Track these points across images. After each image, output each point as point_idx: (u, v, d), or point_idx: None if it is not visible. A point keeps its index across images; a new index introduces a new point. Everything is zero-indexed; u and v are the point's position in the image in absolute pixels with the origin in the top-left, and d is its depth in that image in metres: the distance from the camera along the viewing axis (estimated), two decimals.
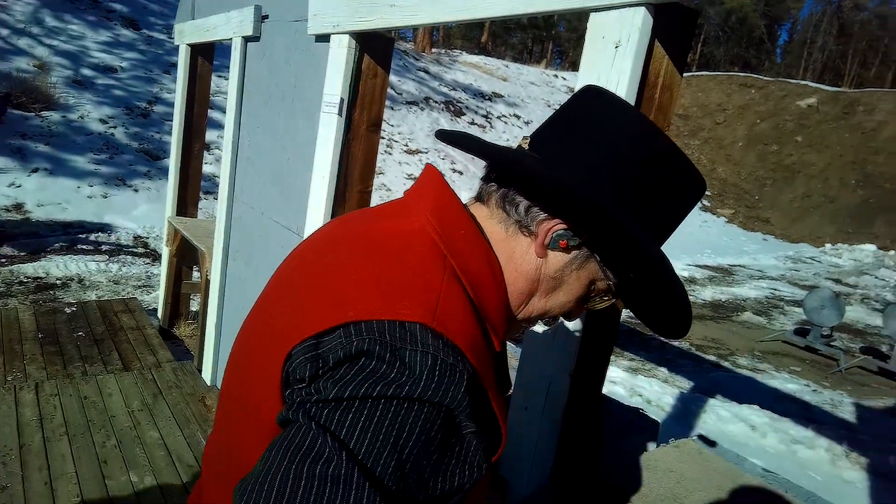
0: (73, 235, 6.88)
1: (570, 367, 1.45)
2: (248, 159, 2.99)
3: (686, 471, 1.55)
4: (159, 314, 4.58)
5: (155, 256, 6.81)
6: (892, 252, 16.25)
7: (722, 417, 4.86)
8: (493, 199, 0.71)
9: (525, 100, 18.98)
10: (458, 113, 15.80)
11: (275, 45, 2.73)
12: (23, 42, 9.94)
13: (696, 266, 12.66)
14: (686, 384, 5.86)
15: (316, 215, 2.27)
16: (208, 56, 4.18)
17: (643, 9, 1.17)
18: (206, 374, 3.45)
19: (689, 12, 1.27)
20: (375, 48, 2.18)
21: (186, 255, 4.32)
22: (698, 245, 14.56)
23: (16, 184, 7.40)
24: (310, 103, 2.38)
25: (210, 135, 8.86)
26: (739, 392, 5.92)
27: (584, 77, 1.28)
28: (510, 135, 15.99)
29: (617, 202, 0.66)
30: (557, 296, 0.72)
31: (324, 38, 2.27)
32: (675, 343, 7.31)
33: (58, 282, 5.63)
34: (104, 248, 6.78)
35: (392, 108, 13.99)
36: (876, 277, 14.03)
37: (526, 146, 0.71)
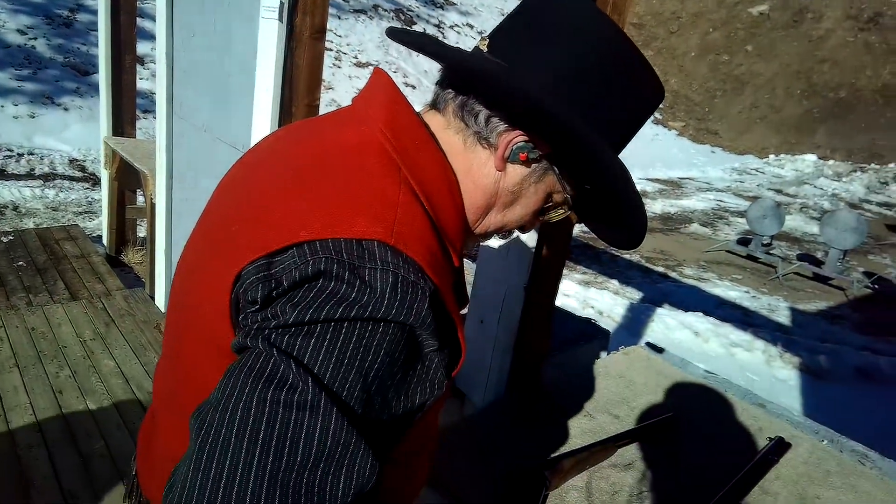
0: (0, 160, 6.46)
1: (525, 281, 1.47)
2: (185, 72, 2.81)
3: (635, 376, 1.63)
4: (105, 241, 4.42)
5: (94, 181, 6.49)
6: (831, 162, 16.88)
7: (669, 325, 5.11)
8: (451, 108, 0.67)
9: (478, 8, 18.27)
10: (409, 22, 15.13)
11: None
12: None
13: (648, 179, 12.90)
14: (636, 295, 6.11)
15: (261, 132, 2.17)
16: None
17: None
18: (160, 301, 3.38)
19: None
20: None
21: (128, 178, 4.12)
22: (650, 158, 14.77)
23: None
24: (248, 8, 2.22)
25: (144, 47, 8.28)
26: (685, 301, 6.23)
27: None
28: (463, 45, 15.48)
29: (580, 111, 0.63)
30: (515, 209, 0.71)
31: None
32: (626, 256, 7.55)
33: None
34: (37, 172, 6.40)
35: (339, 17, 13.28)
36: (815, 187, 14.62)
37: (485, 48, 0.66)
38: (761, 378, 4.52)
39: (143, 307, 3.35)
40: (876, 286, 7.76)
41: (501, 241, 1.48)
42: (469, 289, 1.60)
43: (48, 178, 6.33)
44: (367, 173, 0.60)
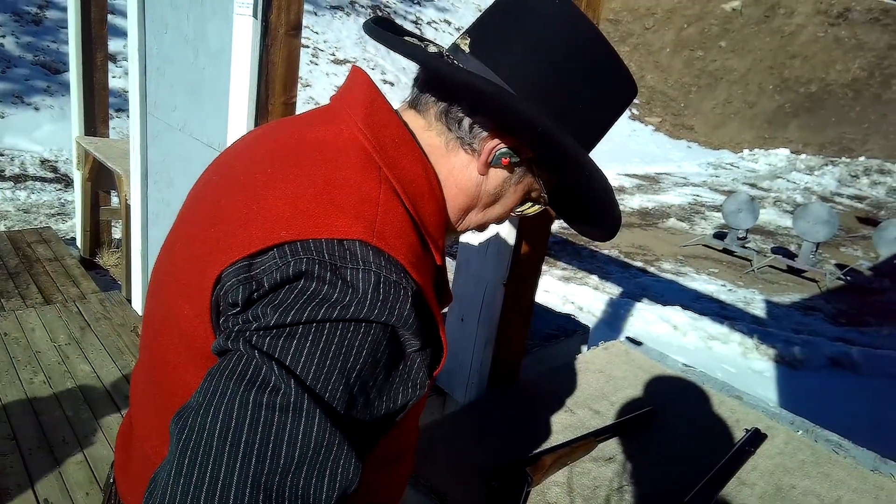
0: None
1: (504, 278, 1.47)
2: (159, 69, 2.76)
3: (614, 370, 1.64)
4: (79, 243, 4.33)
5: (67, 181, 6.36)
6: (803, 156, 17.19)
7: (648, 319, 5.17)
8: (432, 112, 0.67)
9: (456, 4, 18.25)
10: None
11: None
12: None
13: (625, 175, 13.02)
14: (615, 290, 6.17)
15: (237, 130, 2.14)
16: None
17: None
18: (137, 304, 3.33)
19: None
20: None
21: (101, 179, 4.04)
22: (627, 153, 14.91)
23: None
24: (221, 4, 2.19)
25: (115, 44, 8.13)
26: (664, 295, 6.30)
27: None
28: (441, 42, 15.37)
29: (558, 114, 0.64)
30: (495, 209, 0.73)
31: None
32: (605, 251, 7.62)
33: None
34: (7, 173, 6.26)
35: (315, 14, 13.17)
36: (787, 181, 14.89)
37: (466, 47, 0.67)
38: (738, 370, 4.60)
39: (120, 310, 3.29)
40: (848, 278, 7.93)
41: (479, 235, 1.48)
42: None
43: (19, 179, 6.19)
44: (347, 172, 0.60)
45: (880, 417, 4.16)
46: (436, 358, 0.63)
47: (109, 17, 4.06)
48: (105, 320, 3.17)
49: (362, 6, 14.80)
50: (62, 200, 5.92)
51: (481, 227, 0.76)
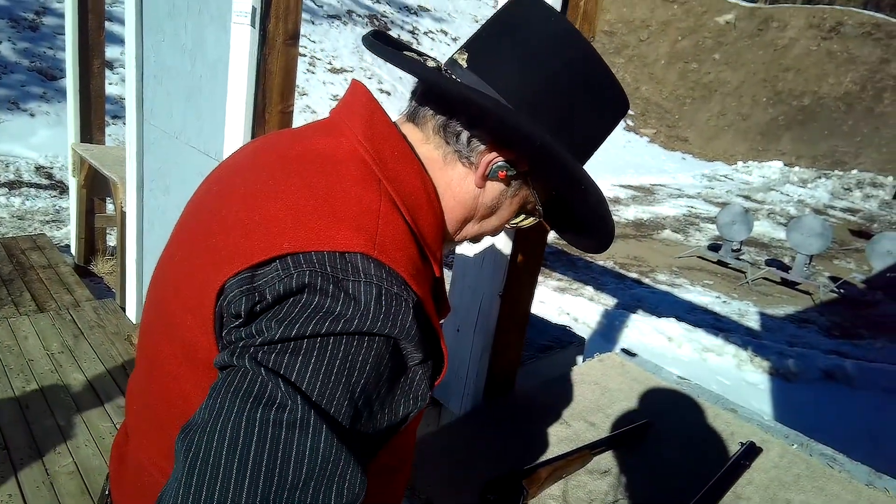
0: None
1: (500, 289, 1.48)
2: (156, 77, 2.76)
3: (610, 382, 1.64)
4: (73, 251, 4.31)
5: (62, 188, 6.35)
6: (796, 168, 17.31)
7: (643, 331, 5.17)
8: (430, 125, 0.68)
9: (452, 14, 18.36)
10: (384, 28, 15.12)
11: None
12: None
13: (620, 186, 13.07)
14: (610, 301, 6.17)
15: (234, 138, 2.14)
16: None
17: None
18: (131, 312, 3.31)
19: None
20: None
21: (97, 186, 4.03)
22: (622, 165, 14.98)
23: None
24: (219, 13, 2.19)
25: (113, 51, 8.13)
26: (659, 306, 6.31)
27: None
28: (438, 52, 15.53)
29: (554, 129, 0.66)
30: (491, 220, 0.74)
31: None
32: (601, 262, 7.64)
33: None
34: (2, 179, 6.24)
35: (313, 23, 13.22)
36: (781, 193, 14.98)
37: (464, 62, 0.68)
38: (733, 382, 4.61)
39: (114, 318, 3.27)
40: (842, 290, 7.96)
41: (475, 246, 1.49)
42: None
43: (13, 185, 6.17)
44: (347, 184, 0.60)
45: (875, 431, 4.16)
46: (437, 369, 0.64)
47: (107, 24, 4.07)
48: (99, 328, 3.15)
49: (359, 16, 14.88)
50: (57, 207, 5.90)
51: (477, 239, 0.78)
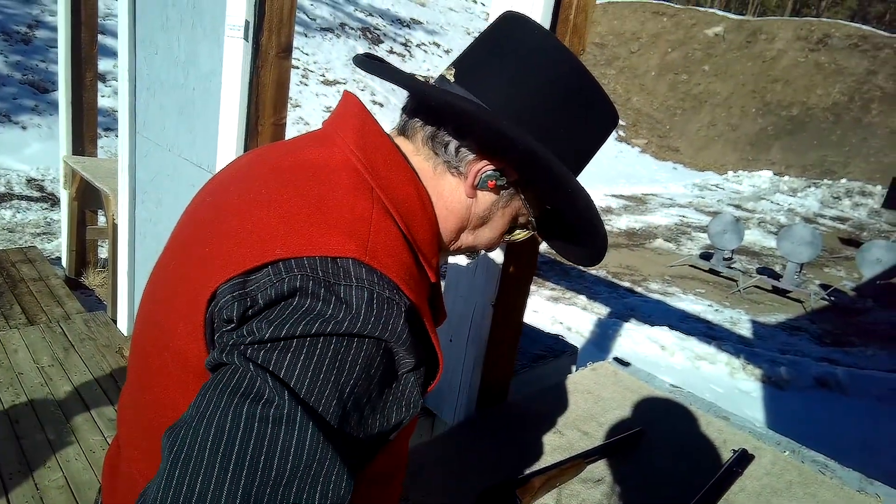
0: None
1: (493, 299, 1.48)
2: (149, 90, 2.77)
3: (603, 391, 1.65)
4: (64, 263, 4.29)
5: (53, 201, 6.32)
6: (786, 177, 17.46)
7: (636, 339, 5.19)
8: (420, 136, 0.69)
9: (444, 27, 18.49)
10: (377, 41, 15.22)
11: None
12: None
13: (612, 196, 13.14)
14: (603, 310, 6.19)
15: (227, 151, 2.15)
16: None
17: None
18: (122, 325, 3.30)
19: None
20: None
21: (88, 198, 4.02)
22: (614, 175, 15.07)
23: None
24: (212, 27, 2.21)
25: (105, 64, 8.14)
26: (651, 315, 6.33)
27: None
28: (430, 64, 15.62)
29: (543, 140, 0.66)
30: (484, 231, 0.74)
31: None
32: (593, 271, 7.66)
33: None
34: None
35: (306, 35, 13.28)
36: (771, 202, 15.10)
37: (451, 77, 0.69)
38: (725, 390, 4.62)
39: (105, 331, 3.25)
40: (832, 298, 8.02)
41: (469, 260, 1.49)
42: None
43: (4, 198, 6.14)
44: (339, 192, 0.61)
45: (866, 438, 4.18)
46: (431, 374, 0.64)
47: (100, 37, 4.08)
48: (90, 341, 3.13)
49: (352, 28, 14.96)
50: (48, 219, 5.87)
51: (472, 251, 0.78)
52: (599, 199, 12.34)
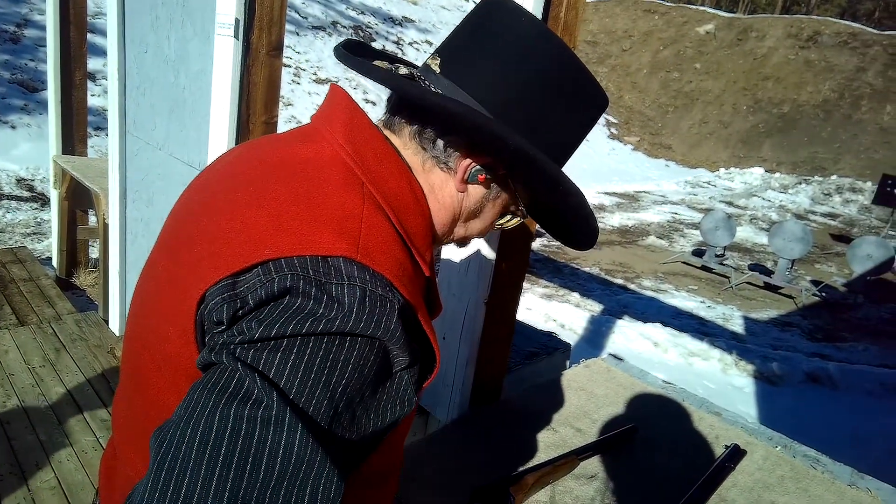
0: None
1: (485, 296, 1.48)
2: (139, 88, 2.75)
3: (596, 388, 1.65)
4: (55, 263, 4.26)
5: (43, 201, 6.27)
6: (777, 174, 17.56)
7: (629, 336, 5.20)
8: (407, 132, 0.68)
9: (437, 25, 18.46)
10: (369, 39, 15.18)
11: None
12: None
13: (605, 193, 13.17)
14: (597, 307, 6.20)
15: (218, 150, 2.14)
16: None
17: None
18: (114, 324, 3.28)
19: None
20: None
21: (79, 198, 3.99)
22: (607, 172, 15.10)
23: None
24: (202, 25, 2.19)
25: (95, 63, 8.07)
26: (645, 311, 6.36)
27: None
28: (422, 62, 15.58)
29: (529, 132, 0.66)
30: (475, 223, 0.75)
31: None
32: (587, 268, 7.68)
33: None
34: None
35: (297, 34, 13.23)
36: (763, 199, 15.17)
37: (437, 67, 0.68)
38: (718, 386, 4.64)
39: (97, 331, 3.23)
40: (823, 294, 8.07)
41: (460, 253, 1.49)
42: None
43: None
44: (329, 189, 0.60)
45: (857, 432, 4.21)
46: (428, 369, 0.63)
47: (89, 35, 4.04)
48: (81, 341, 3.11)
49: (344, 26, 14.91)
50: (38, 219, 5.83)
51: (463, 242, 0.78)
52: (592, 197, 12.36)
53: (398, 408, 0.59)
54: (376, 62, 0.71)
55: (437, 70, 0.68)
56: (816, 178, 17.21)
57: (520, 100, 0.66)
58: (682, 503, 1.17)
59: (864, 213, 15.01)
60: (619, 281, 7.49)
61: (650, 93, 21.94)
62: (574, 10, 1.29)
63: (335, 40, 13.98)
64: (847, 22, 21.86)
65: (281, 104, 2.33)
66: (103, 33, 8.18)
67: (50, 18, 3.74)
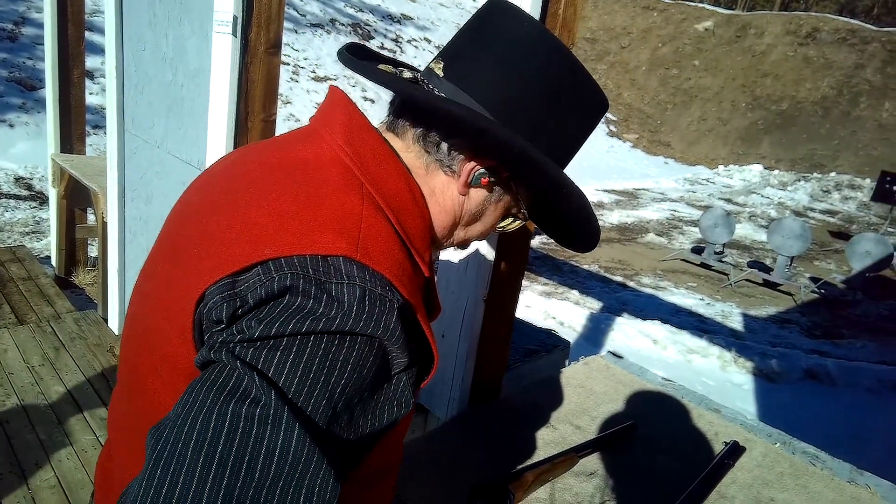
0: None
1: (485, 294, 1.48)
2: (137, 87, 2.75)
3: (595, 385, 1.65)
4: (54, 262, 4.25)
5: (42, 199, 6.26)
6: (776, 171, 17.56)
7: (628, 334, 5.21)
8: (410, 135, 0.69)
9: (435, 22, 18.43)
10: (367, 37, 15.15)
11: None
12: None
13: (604, 191, 13.16)
14: (596, 304, 6.21)
15: (217, 148, 2.13)
16: None
17: None
18: (113, 323, 3.27)
19: None
20: None
21: (77, 197, 3.98)
22: (606, 170, 15.09)
23: None
24: (200, 22, 2.19)
25: (93, 61, 8.06)
26: (644, 309, 6.36)
27: None
28: (422, 60, 15.57)
29: (532, 135, 0.66)
30: (476, 226, 0.75)
31: None
32: (586, 266, 7.68)
33: None
34: None
35: (296, 32, 13.20)
36: (762, 196, 15.18)
37: (440, 71, 0.68)
38: (717, 383, 4.65)
39: (96, 330, 3.23)
40: (822, 291, 8.08)
41: (458, 252, 1.49)
42: None
43: None
44: (329, 189, 0.60)
45: (856, 429, 4.22)
46: (425, 370, 0.63)
47: (87, 33, 4.04)
48: (80, 340, 3.11)
49: (343, 24, 14.89)
50: (37, 218, 5.82)
51: (463, 245, 0.78)
52: (591, 195, 12.36)
53: (396, 409, 0.59)
54: (381, 66, 0.71)
55: (441, 74, 0.68)
56: (815, 174, 17.22)
57: (521, 102, 0.66)
58: (681, 500, 1.18)
59: (862, 210, 15.02)
60: (619, 278, 7.49)
61: (649, 90, 21.93)
62: (573, 7, 1.29)
63: (333, 38, 13.96)
64: (846, 18, 21.85)
65: (279, 102, 2.32)
66: (101, 31, 8.17)
67: (48, 16, 3.73)
